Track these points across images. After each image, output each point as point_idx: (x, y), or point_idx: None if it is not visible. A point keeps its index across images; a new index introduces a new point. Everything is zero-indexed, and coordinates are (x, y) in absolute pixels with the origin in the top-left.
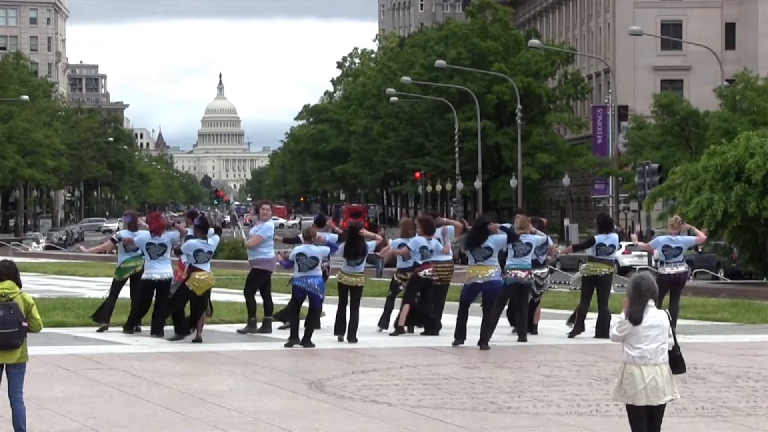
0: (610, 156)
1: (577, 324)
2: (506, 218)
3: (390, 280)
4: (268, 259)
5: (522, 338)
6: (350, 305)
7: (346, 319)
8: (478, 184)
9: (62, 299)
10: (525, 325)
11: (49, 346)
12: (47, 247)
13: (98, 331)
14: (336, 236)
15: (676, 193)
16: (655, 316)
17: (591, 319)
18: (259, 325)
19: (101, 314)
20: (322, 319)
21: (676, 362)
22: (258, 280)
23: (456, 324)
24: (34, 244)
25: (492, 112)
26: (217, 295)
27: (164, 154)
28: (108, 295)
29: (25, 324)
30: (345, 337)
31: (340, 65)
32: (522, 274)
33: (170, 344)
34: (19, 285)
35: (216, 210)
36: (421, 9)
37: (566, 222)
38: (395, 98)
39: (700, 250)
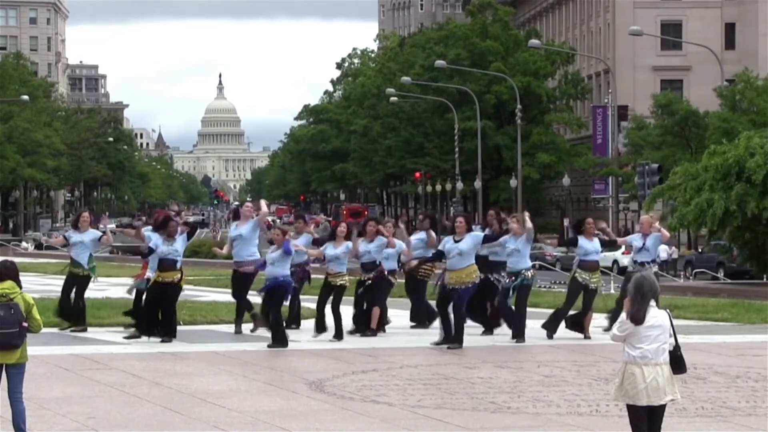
0: (610, 156)
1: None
2: None
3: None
4: (249, 261)
5: (521, 338)
6: (332, 304)
7: (324, 319)
8: (478, 184)
9: None
10: (524, 325)
11: (49, 346)
12: (47, 247)
13: (61, 329)
14: (311, 237)
15: (676, 193)
16: (656, 316)
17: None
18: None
19: (67, 315)
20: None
21: (677, 362)
22: (242, 283)
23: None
24: (24, 244)
25: (492, 112)
26: (217, 295)
27: (164, 154)
28: (62, 293)
29: (25, 324)
30: (333, 336)
31: (339, 66)
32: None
33: (170, 344)
34: (20, 285)
35: (216, 210)
36: (421, 9)
37: (566, 222)
38: (395, 98)
39: (700, 250)
